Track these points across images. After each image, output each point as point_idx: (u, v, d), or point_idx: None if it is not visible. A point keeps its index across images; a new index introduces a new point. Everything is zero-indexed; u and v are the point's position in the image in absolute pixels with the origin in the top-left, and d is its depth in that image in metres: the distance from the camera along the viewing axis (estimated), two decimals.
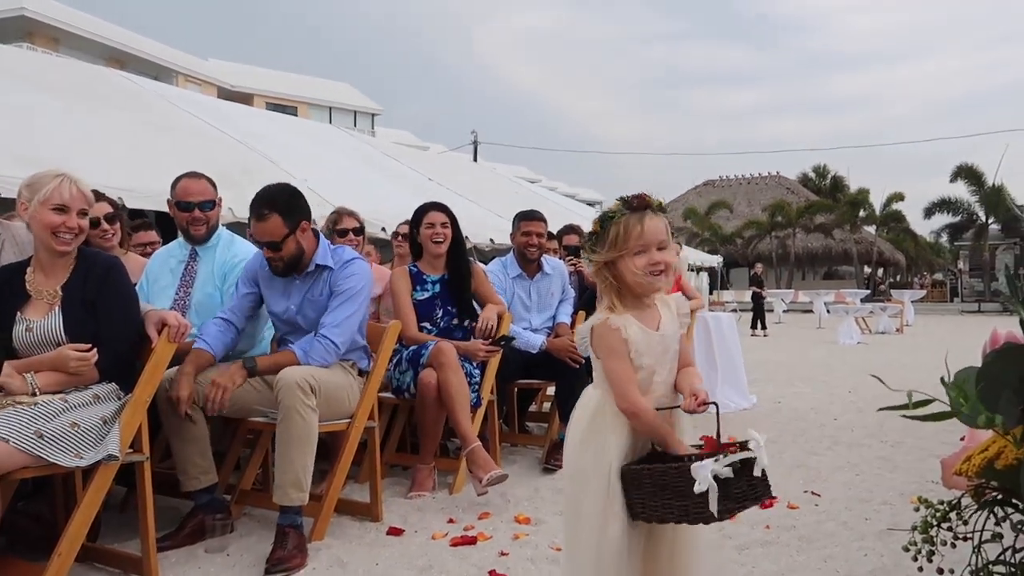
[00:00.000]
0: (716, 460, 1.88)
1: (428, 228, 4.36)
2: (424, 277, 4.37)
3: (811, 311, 23.53)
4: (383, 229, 8.15)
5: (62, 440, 2.51)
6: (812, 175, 47.06)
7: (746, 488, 1.94)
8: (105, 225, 3.77)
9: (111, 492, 2.91)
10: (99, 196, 3.81)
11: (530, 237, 4.93)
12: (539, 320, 5.00)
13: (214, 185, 3.76)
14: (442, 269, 4.39)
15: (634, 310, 2.13)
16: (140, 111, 9.47)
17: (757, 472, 1.93)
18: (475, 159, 32.22)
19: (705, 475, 1.86)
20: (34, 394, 2.60)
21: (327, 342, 3.36)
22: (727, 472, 1.87)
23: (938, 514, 1.73)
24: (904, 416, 1.65)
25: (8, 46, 11.59)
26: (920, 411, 1.61)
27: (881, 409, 1.80)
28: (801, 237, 38.70)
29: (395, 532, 3.42)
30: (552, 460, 4.52)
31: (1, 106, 7.03)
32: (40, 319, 2.74)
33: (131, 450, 2.75)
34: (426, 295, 4.35)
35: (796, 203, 39.69)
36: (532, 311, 4.99)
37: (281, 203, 3.35)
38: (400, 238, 5.27)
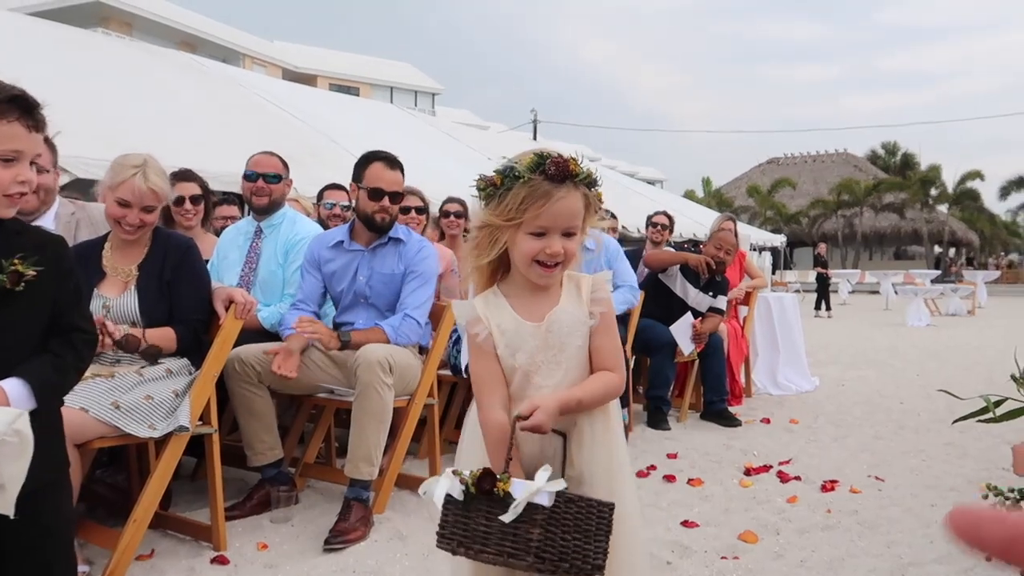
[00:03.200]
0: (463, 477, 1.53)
1: None
2: None
3: (878, 292, 22.92)
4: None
5: (137, 411, 2.62)
6: (881, 152, 45.65)
7: (502, 535, 1.51)
8: (189, 205, 3.90)
9: (182, 463, 3.02)
10: (191, 176, 3.98)
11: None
12: None
13: (286, 166, 3.93)
14: None
15: (518, 289, 1.73)
16: (210, 94, 9.70)
17: (509, 517, 1.49)
18: (535, 138, 32.12)
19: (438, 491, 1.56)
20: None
21: (414, 323, 3.46)
22: (458, 490, 1.54)
23: (1008, 502, 1.69)
24: (980, 421, 1.61)
25: (85, 31, 11.95)
26: (994, 412, 1.56)
27: (956, 421, 1.75)
28: (869, 216, 37.64)
29: None
30: None
31: (79, 89, 7.28)
32: (116, 297, 2.84)
33: (200, 422, 2.86)
34: None
35: (864, 181, 38.58)
36: None
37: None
38: (452, 217, 5.01)
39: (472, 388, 1.74)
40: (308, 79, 32.65)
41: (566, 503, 1.53)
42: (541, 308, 1.71)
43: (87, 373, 2.66)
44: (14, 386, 1.64)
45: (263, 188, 3.81)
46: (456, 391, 4.52)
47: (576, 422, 1.70)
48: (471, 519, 1.53)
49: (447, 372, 4.24)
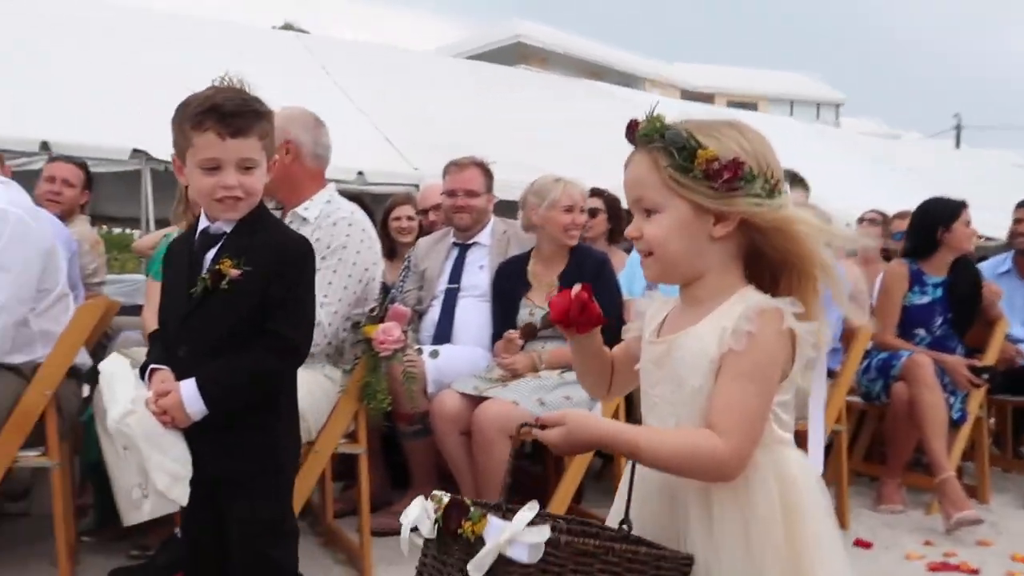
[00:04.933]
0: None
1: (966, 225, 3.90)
2: (924, 278, 3.95)
3: None
4: (847, 224, 7.74)
5: (558, 409, 2.86)
6: None
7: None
8: (584, 217, 4.24)
9: (591, 462, 3.22)
10: (593, 192, 4.31)
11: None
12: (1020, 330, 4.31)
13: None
14: (945, 271, 3.95)
15: (682, 302, 1.34)
16: (613, 117, 10.30)
17: (475, 571, 1.08)
18: (958, 145, 28.67)
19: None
20: (537, 369, 3.02)
21: None
22: (427, 525, 1.15)
23: None
24: None
25: (509, 68, 13.48)
26: None
27: None
28: None
29: (862, 544, 3.24)
30: None
31: (505, 121, 8.21)
32: (542, 305, 3.15)
33: None
34: (925, 299, 3.94)
35: None
36: (1015, 316, 4.30)
37: None
38: (865, 223, 4.85)
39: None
40: (705, 97, 32.96)
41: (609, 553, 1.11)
42: (677, 323, 1.31)
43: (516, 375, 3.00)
44: (188, 387, 1.70)
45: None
46: (866, 420, 4.23)
47: (687, 503, 1.27)
48: (447, 566, 1.14)
49: (857, 399, 3.98)
